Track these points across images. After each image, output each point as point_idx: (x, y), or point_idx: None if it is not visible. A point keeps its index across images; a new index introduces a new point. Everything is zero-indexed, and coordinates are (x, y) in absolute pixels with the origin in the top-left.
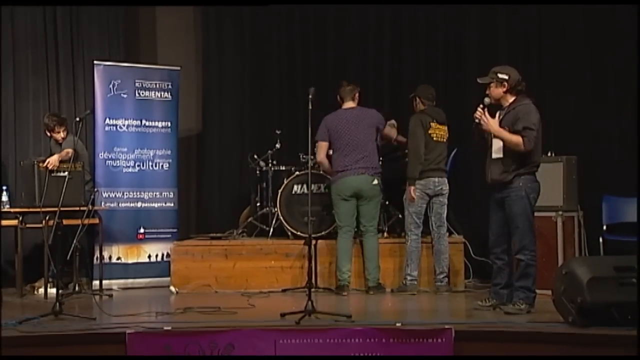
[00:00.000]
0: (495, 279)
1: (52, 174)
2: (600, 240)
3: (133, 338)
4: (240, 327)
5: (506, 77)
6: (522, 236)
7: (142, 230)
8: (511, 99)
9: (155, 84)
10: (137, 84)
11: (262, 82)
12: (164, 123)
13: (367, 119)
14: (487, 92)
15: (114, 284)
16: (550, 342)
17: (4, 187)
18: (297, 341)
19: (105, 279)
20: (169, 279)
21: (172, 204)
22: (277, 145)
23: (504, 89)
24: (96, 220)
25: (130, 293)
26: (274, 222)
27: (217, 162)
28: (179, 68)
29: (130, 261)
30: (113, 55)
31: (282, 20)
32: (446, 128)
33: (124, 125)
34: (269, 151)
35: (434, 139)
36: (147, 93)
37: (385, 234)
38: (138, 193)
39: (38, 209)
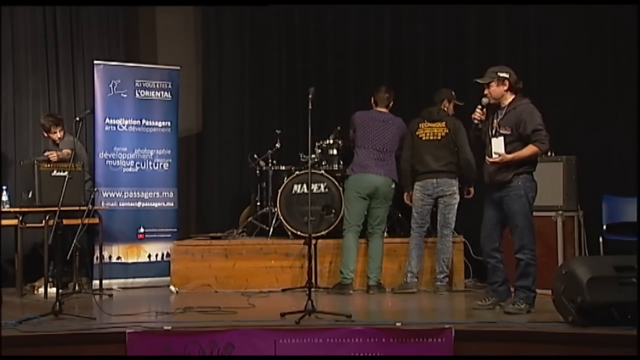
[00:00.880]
0: (491, 278)
1: (52, 174)
2: (600, 240)
3: (133, 338)
4: (240, 326)
5: (507, 75)
6: (521, 235)
7: (142, 230)
8: (510, 97)
9: (155, 83)
10: (137, 84)
11: (262, 82)
12: (164, 123)
13: (394, 128)
14: (486, 92)
15: (114, 283)
16: (550, 342)
17: (4, 187)
18: (297, 341)
19: (105, 278)
20: (168, 278)
21: (172, 204)
22: (277, 145)
23: (505, 88)
24: (96, 220)
25: (130, 293)
26: (274, 221)
27: (217, 162)
28: (179, 68)
29: (130, 261)
30: (113, 55)
31: (282, 20)
32: (442, 125)
33: (123, 125)
34: (269, 151)
35: (423, 138)
36: (147, 93)
37: (385, 234)
38: (138, 193)
39: (38, 209)
